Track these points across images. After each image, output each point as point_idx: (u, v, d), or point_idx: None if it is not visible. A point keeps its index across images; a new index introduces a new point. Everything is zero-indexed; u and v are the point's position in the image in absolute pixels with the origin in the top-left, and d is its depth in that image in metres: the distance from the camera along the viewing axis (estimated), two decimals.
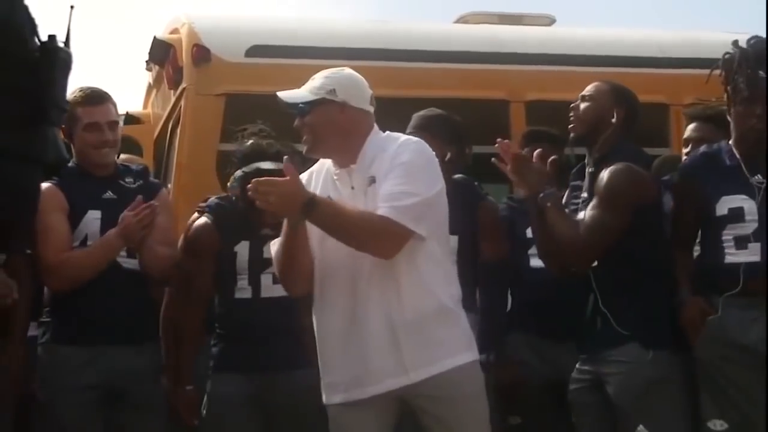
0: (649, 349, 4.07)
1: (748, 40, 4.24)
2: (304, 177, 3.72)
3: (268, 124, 4.71)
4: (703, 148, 4.35)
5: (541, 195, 4.11)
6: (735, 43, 4.24)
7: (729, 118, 4.24)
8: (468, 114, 5.26)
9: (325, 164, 3.77)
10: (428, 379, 3.58)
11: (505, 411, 4.68)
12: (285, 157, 3.84)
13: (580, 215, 4.21)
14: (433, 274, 3.67)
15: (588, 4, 19.13)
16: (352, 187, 3.66)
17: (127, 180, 4.47)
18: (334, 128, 3.68)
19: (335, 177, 3.71)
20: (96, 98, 4.44)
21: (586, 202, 4.22)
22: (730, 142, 4.25)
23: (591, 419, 4.23)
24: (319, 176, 3.75)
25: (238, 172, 4.49)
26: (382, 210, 3.54)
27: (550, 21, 7.61)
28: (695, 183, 4.26)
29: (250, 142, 4.60)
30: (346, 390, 3.64)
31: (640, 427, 4.05)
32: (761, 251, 4.06)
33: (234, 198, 4.50)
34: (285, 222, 3.60)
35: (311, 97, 3.70)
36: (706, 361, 4.13)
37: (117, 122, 4.51)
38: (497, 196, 5.07)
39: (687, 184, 4.30)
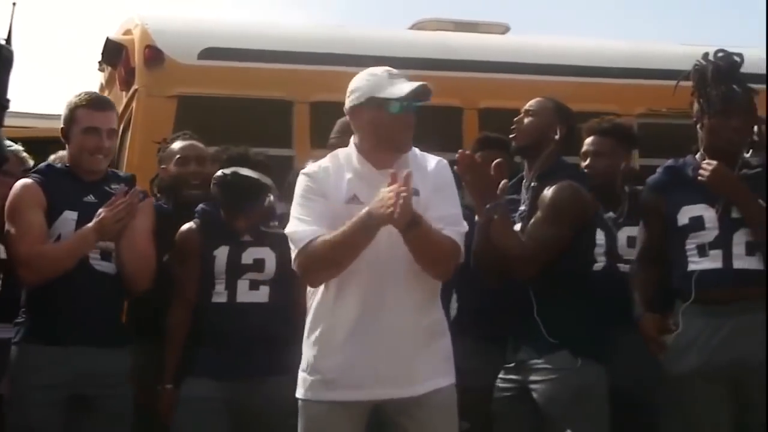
0: (578, 357, 4.14)
1: (716, 53, 4.28)
2: (316, 169, 3.69)
3: (218, 127, 4.71)
4: (668, 162, 4.42)
5: (488, 206, 4.14)
6: (705, 56, 4.29)
7: (699, 129, 4.29)
8: (421, 120, 5.25)
9: (339, 159, 3.72)
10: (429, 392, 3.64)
11: None
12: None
13: (517, 227, 4.30)
14: (438, 293, 3.77)
15: (542, 14, 19.26)
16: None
17: (113, 186, 4.46)
18: None
19: (365, 176, 3.67)
20: (101, 104, 4.46)
21: (524, 215, 4.30)
22: (697, 156, 4.29)
23: (516, 428, 4.29)
24: (339, 171, 3.68)
25: (218, 173, 4.54)
26: (448, 232, 3.62)
27: (504, 29, 7.64)
28: (659, 197, 4.33)
29: (235, 148, 4.64)
30: (344, 388, 3.60)
31: None
32: (722, 258, 4.12)
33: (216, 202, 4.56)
34: (368, 221, 3.49)
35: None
36: (668, 377, 4.19)
37: (116, 131, 4.54)
38: None
39: (651, 199, 4.37)
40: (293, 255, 3.65)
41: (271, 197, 4.61)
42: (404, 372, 3.62)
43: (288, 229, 3.69)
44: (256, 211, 4.53)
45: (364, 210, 3.49)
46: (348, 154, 3.75)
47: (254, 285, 4.46)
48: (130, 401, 4.38)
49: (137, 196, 4.34)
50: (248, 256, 4.48)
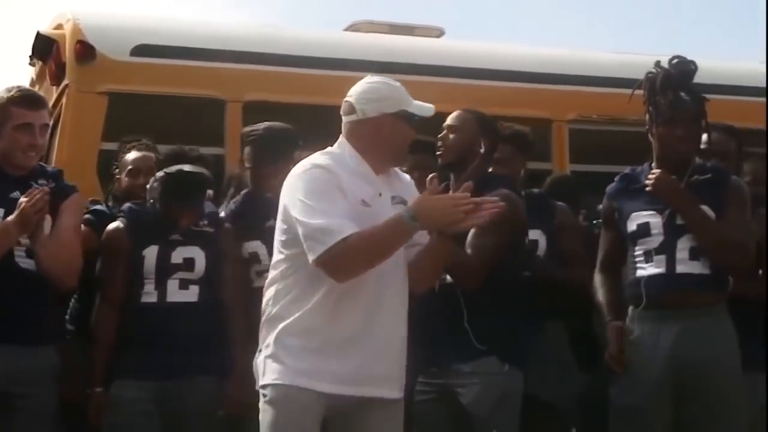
0: (505, 362, 4.22)
1: (671, 60, 4.30)
2: (329, 164, 3.61)
3: (149, 125, 4.67)
4: (626, 170, 4.44)
5: None
6: (657, 63, 4.30)
7: (650, 137, 4.30)
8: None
9: (336, 158, 3.66)
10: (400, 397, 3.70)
11: None
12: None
13: None
14: None
15: (478, 19, 19.36)
16: (380, 194, 3.65)
17: (39, 182, 4.38)
18: None
19: (369, 180, 3.67)
20: (35, 101, 4.39)
21: None
22: (653, 165, 4.31)
23: (436, 431, 4.33)
24: (343, 171, 3.62)
25: (160, 173, 4.50)
26: None
27: (439, 33, 7.67)
28: (614, 205, 4.37)
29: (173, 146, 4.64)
30: (331, 381, 3.55)
31: None
32: (666, 263, 4.15)
33: (152, 201, 4.50)
34: (412, 224, 3.46)
35: None
36: (615, 384, 4.24)
37: (48, 126, 4.48)
38: None
39: (607, 207, 4.42)
40: (319, 249, 3.46)
41: (210, 192, 4.60)
42: (394, 373, 3.65)
43: (311, 219, 3.49)
44: (201, 207, 4.52)
45: (406, 212, 3.47)
46: (342, 154, 3.69)
47: (184, 284, 4.43)
48: (54, 401, 4.32)
49: (46, 187, 4.26)
50: (178, 255, 4.45)
